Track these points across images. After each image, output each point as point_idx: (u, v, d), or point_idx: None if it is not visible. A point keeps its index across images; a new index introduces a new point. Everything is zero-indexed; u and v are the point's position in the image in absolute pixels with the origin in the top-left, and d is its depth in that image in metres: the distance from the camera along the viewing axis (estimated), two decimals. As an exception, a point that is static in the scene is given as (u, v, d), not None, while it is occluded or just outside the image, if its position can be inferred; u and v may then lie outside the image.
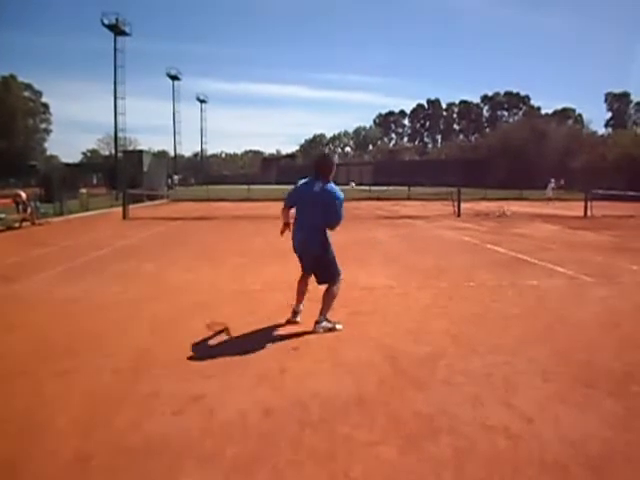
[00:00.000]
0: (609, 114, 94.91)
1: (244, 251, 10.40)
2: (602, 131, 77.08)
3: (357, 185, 55.50)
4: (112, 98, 45.35)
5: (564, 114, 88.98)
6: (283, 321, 5.36)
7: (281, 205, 5.40)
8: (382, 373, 4.05)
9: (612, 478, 2.67)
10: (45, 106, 73.92)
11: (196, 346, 4.65)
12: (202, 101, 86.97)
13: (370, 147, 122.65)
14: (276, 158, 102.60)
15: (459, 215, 20.14)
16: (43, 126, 75.26)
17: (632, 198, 23.39)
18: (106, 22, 45.42)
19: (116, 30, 45.74)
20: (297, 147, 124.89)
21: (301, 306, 5.40)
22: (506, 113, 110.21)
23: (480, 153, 67.38)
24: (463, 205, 21.26)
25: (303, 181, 5.22)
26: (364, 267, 8.73)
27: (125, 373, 4.05)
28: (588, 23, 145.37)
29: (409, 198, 34.38)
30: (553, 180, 32.22)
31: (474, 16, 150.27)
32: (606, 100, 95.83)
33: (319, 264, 5.14)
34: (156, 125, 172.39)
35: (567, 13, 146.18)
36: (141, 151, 42.03)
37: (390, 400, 3.56)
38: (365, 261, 9.36)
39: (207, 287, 7.23)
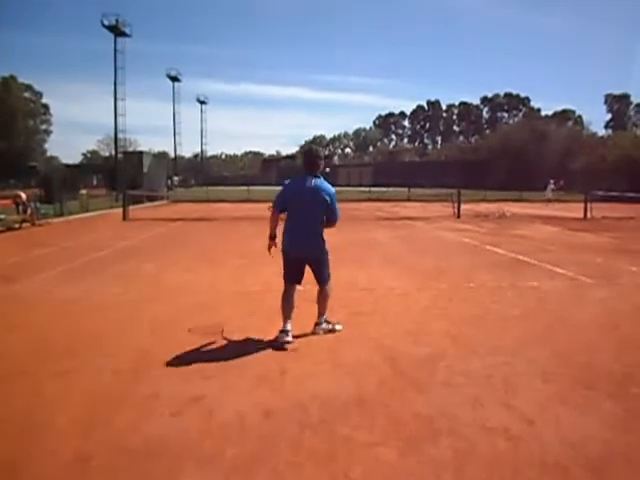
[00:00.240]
0: (609, 115, 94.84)
1: (244, 252, 10.39)
2: (602, 132, 77.10)
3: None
4: (112, 99, 45.25)
5: (564, 115, 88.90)
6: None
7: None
8: (382, 374, 4.05)
9: (612, 479, 2.67)
10: (45, 107, 73.89)
11: (196, 347, 4.65)
12: (202, 102, 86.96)
13: (370, 148, 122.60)
14: (276, 159, 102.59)
15: (459, 216, 20.15)
16: (43, 127, 75.20)
17: (632, 199, 23.40)
18: (106, 23, 45.36)
19: (116, 31, 45.70)
20: (297, 148, 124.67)
21: (290, 324, 4.83)
22: (506, 114, 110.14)
23: (480, 154, 67.37)
24: (463, 206, 21.27)
25: (291, 180, 5.04)
26: (364, 268, 8.73)
27: (125, 374, 4.05)
28: (588, 24, 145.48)
29: (409, 199, 34.39)
30: (552, 181, 32.23)
31: (474, 17, 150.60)
32: (606, 101, 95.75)
33: (320, 264, 5.03)
34: (156, 126, 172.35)
35: (567, 14, 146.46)
36: (141, 152, 42.01)
37: (390, 401, 3.56)
38: (365, 262, 9.36)
39: (207, 288, 7.23)
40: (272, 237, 4.99)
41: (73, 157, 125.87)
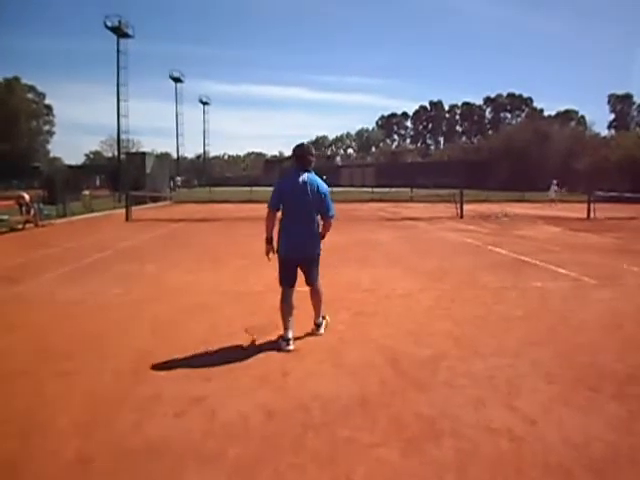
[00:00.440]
0: (612, 116, 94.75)
1: (246, 253, 10.38)
2: (605, 133, 76.81)
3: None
4: (115, 100, 45.49)
5: (567, 116, 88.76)
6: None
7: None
8: (384, 375, 4.04)
9: (616, 481, 2.66)
10: (48, 108, 74.11)
11: (197, 347, 4.64)
12: (205, 103, 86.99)
13: (372, 149, 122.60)
14: (279, 160, 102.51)
15: (462, 217, 20.12)
16: (46, 128, 75.42)
17: (635, 200, 23.33)
18: (109, 24, 45.50)
19: (119, 32, 45.85)
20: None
21: (291, 333, 4.72)
22: (509, 115, 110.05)
23: (482, 155, 67.24)
24: (465, 207, 21.23)
25: (284, 177, 4.94)
26: (366, 268, 8.72)
27: (126, 374, 4.04)
28: (590, 24, 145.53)
29: (412, 200, 34.34)
30: (555, 182, 32.15)
31: (476, 17, 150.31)
32: (609, 102, 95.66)
33: (313, 264, 4.92)
34: (159, 127, 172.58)
35: (569, 14, 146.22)
36: (144, 153, 42.02)
37: (392, 402, 3.55)
38: (367, 263, 9.35)
39: (209, 289, 7.23)
40: (269, 240, 4.80)
41: (76, 158, 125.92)
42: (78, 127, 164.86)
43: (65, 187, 22.32)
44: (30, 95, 71.02)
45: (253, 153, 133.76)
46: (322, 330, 5.06)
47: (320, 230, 4.91)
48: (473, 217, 20.37)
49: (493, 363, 4.28)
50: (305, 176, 4.76)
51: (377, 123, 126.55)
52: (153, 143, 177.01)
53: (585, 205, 20.47)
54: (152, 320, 5.60)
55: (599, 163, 44.11)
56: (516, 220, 19.43)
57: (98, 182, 46.28)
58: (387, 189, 44.38)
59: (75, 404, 3.52)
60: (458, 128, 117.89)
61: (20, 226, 15.61)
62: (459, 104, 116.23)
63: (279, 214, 4.86)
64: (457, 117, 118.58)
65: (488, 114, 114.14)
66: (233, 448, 2.93)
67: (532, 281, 7.68)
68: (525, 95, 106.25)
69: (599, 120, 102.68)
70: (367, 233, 14.53)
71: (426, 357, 4.43)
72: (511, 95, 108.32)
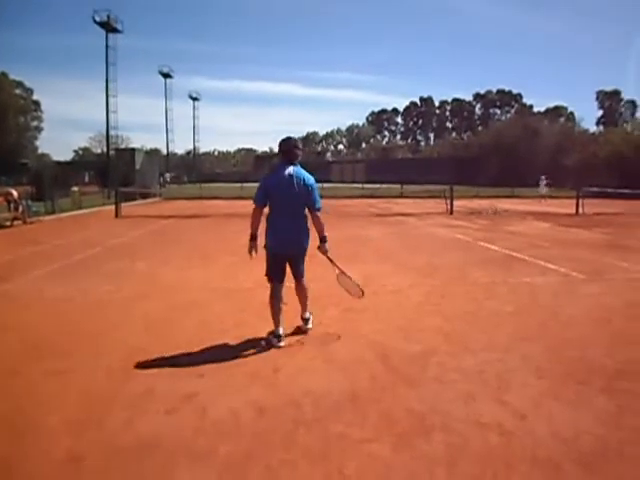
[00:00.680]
0: (600, 112, 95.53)
1: (236, 249, 10.32)
2: (594, 129, 77.34)
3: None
4: (104, 96, 45.20)
5: (556, 112, 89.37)
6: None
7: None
8: (374, 370, 4.06)
9: (604, 475, 2.68)
10: (36, 104, 73.27)
11: (189, 344, 4.63)
12: (194, 99, 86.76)
13: (363, 145, 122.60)
14: (269, 156, 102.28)
15: (451, 213, 20.19)
16: (34, 124, 74.55)
17: (623, 195, 23.53)
18: (98, 19, 45.16)
19: (108, 27, 45.49)
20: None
21: (282, 329, 4.71)
22: (498, 111, 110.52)
23: (472, 151, 67.40)
24: (455, 203, 21.31)
25: (270, 173, 4.90)
26: (356, 264, 8.70)
27: (118, 372, 4.03)
28: (579, 21, 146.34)
29: (402, 196, 34.41)
30: (544, 177, 32.31)
31: (466, 14, 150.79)
32: (597, 98, 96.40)
33: (300, 259, 4.88)
34: (148, 123, 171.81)
35: (558, 11, 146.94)
36: (133, 149, 41.70)
37: (382, 397, 3.57)
38: (357, 258, 9.35)
39: (199, 285, 7.21)
40: (254, 237, 4.70)
41: (64, 154, 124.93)
42: (67, 123, 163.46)
43: (54, 183, 22.14)
44: (18, 91, 70.18)
45: (243, 149, 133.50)
46: (310, 325, 5.06)
47: (308, 226, 4.83)
48: (463, 213, 20.45)
49: (483, 358, 4.31)
50: (291, 169, 4.73)
51: (367, 119, 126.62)
52: (143, 139, 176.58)
53: (574, 201, 20.61)
54: (143, 317, 5.58)
55: (588, 159, 44.38)
56: (506, 216, 19.53)
57: (87, 178, 45.78)
58: (377, 185, 44.43)
59: (66, 402, 3.50)
60: (448, 124, 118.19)
61: (8, 223, 15.46)
62: (449, 100, 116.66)
63: (266, 210, 4.80)
64: (447, 113, 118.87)
65: (478, 110, 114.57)
66: (224, 445, 2.93)
67: (522, 276, 7.73)
68: (515, 91, 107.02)
69: (588, 116, 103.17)
70: (357, 229, 14.54)
71: (416, 353, 4.45)
72: (501, 91, 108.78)
